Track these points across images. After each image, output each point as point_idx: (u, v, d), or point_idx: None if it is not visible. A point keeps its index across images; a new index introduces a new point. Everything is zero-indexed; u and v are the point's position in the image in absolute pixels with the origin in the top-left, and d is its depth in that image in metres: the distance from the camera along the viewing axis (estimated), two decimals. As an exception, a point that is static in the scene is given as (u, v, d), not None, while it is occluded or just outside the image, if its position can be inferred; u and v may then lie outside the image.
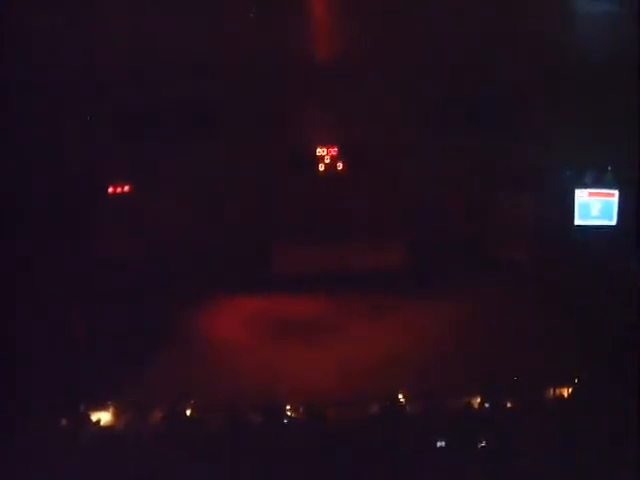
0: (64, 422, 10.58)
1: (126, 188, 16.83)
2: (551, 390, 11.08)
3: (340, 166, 17.65)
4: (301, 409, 10.84)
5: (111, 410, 11.36)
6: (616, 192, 16.57)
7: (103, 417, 11.17)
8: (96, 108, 15.81)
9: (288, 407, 10.82)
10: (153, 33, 15.34)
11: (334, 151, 17.67)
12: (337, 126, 17.39)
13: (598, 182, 16.75)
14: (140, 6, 14.22)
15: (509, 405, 10.51)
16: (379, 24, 15.20)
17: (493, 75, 16.18)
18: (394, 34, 15.38)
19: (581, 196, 16.81)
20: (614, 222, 16.59)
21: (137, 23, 14.66)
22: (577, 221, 16.85)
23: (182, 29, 15.39)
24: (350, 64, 16.41)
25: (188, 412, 10.99)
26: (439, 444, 9.52)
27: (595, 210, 16.73)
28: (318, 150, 17.64)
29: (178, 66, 15.48)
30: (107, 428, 10.89)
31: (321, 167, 17.65)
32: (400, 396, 10.88)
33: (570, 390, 11.03)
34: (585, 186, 16.80)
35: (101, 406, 11.32)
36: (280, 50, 15.73)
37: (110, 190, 16.71)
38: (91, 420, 10.95)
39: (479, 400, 10.73)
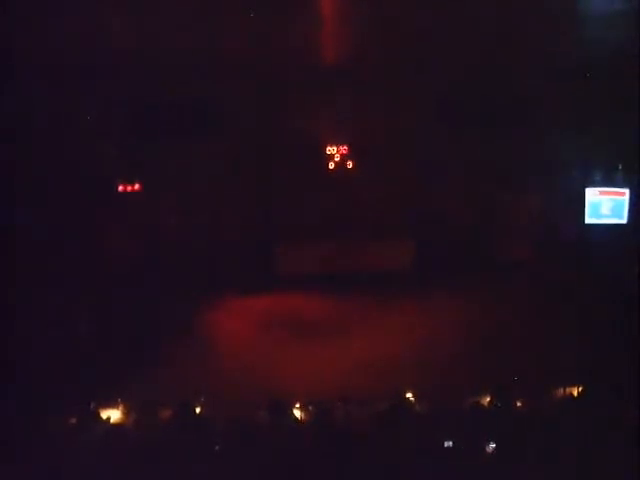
0: (74, 420, 10.68)
1: (136, 187, 16.97)
2: (556, 391, 11.09)
3: (350, 165, 17.72)
4: (310, 408, 10.89)
5: (120, 408, 11.46)
6: (627, 191, 16.60)
7: (113, 415, 11.27)
8: (106, 106, 15.91)
9: (297, 406, 10.88)
10: (165, 32, 15.39)
11: (344, 149, 17.72)
12: (347, 125, 17.41)
13: (609, 181, 16.77)
14: (149, 6, 14.25)
15: (515, 405, 10.52)
16: (389, 24, 15.17)
17: (506, 75, 16.15)
18: (404, 34, 15.34)
19: (592, 195, 16.85)
20: (625, 221, 16.63)
21: (146, 22, 14.70)
22: (588, 220, 16.89)
23: (196, 28, 15.44)
24: (360, 63, 16.40)
25: (197, 410, 11.07)
26: (446, 444, 9.53)
27: (606, 209, 16.78)
28: (328, 148, 17.71)
29: (187, 66, 15.52)
30: (116, 425, 10.96)
31: (331, 165, 17.72)
32: (407, 395, 10.91)
33: (577, 390, 11.02)
34: (596, 185, 16.82)
35: (111, 404, 11.42)
36: (290, 49, 15.72)
37: (120, 189, 16.87)
38: (101, 418, 11.04)
39: (487, 400, 10.73)
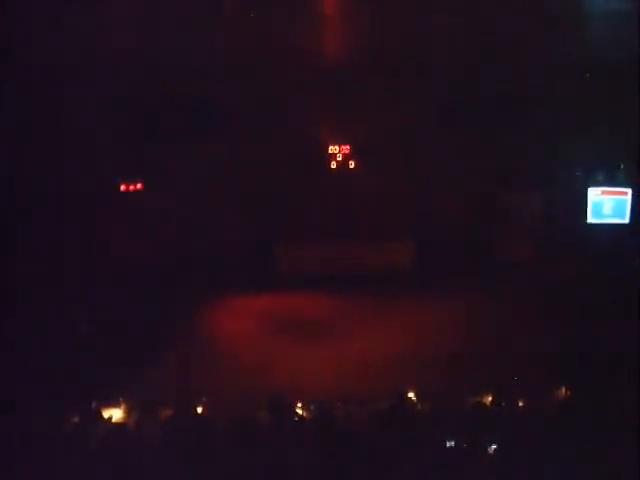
0: (76, 419, 10.68)
1: (138, 186, 17.00)
2: (557, 391, 11.07)
3: (352, 164, 17.73)
4: (310, 407, 10.87)
5: (122, 407, 11.46)
6: (629, 190, 16.60)
7: (114, 414, 11.27)
8: (106, 106, 15.92)
9: (298, 405, 10.87)
10: (167, 32, 15.43)
11: (346, 149, 17.73)
12: (350, 125, 17.43)
13: (611, 180, 16.77)
14: (151, 6, 14.33)
15: (517, 405, 10.49)
16: (391, 23, 15.23)
17: (506, 75, 16.16)
18: (404, 34, 15.40)
19: (594, 194, 16.84)
20: (627, 220, 16.63)
21: (146, 22, 14.75)
22: (590, 219, 16.90)
23: (197, 28, 15.45)
24: (361, 63, 16.42)
25: (198, 410, 11.06)
26: (448, 444, 9.50)
27: (608, 208, 16.79)
28: (330, 148, 17.72)
29: (188, 66, 15.55)
30: (118, 425, 10.95)
31: (333, 165, 17.75)
32: (409, 395, 10.88)
33: (577, 390, 11.00)
34: (598, 184, 16.82)
35: (112, 404, 11.42)
36: (290, 49, 15.75)
37: (122, 188, 16.90)
38: (102, 417, 11.03)
39: (488, 400, 10.70)
